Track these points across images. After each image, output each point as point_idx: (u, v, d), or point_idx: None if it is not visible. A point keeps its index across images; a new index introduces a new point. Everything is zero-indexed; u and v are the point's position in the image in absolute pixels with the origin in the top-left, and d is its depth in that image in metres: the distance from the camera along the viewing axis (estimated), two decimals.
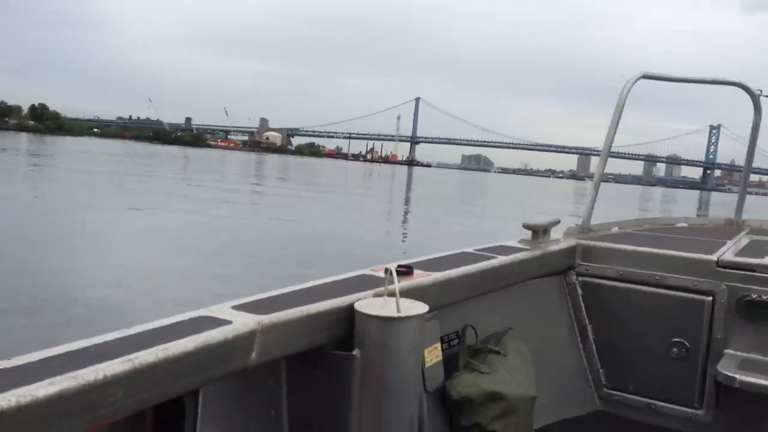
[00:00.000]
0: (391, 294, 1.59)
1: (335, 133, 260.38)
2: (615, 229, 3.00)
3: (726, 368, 2.17)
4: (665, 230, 3.11)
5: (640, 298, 2.46)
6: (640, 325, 2.46)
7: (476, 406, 1.89)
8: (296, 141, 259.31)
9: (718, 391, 2.31)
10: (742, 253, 2.47)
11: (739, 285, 2.28)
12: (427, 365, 1.83)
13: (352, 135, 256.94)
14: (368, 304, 1.59)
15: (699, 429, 2.37)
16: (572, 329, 2.58)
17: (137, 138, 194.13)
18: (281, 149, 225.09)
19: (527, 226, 2.56)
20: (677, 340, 2.38)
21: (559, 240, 2.62)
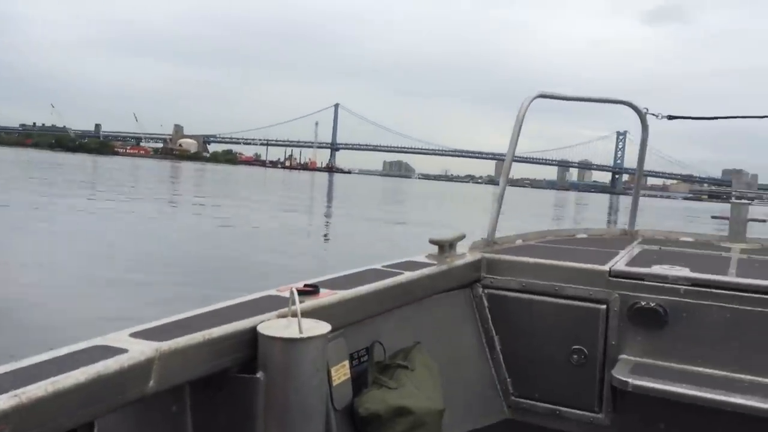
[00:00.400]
0: (295, 315, 1.61)
1: (253, 139, 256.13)
2: (519, 242, 3.14)
3: (620, 373, 2.32)
4: (566, 241, 3.28)
5: (542, 308, 2.58)
6: (543, 334, 2.58)
7: (384, 421, 1.93)
8: (214, 148, 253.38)
9: (615, 395, 2.46)
10: (632, 262, 2.64)
11: (630, 293, 2.45)
12: (334, 383, 1.86)
13: (269, 142, 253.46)
14: (271, 326, 1.60)
15: (598, 431, 2.51)
16: (480, 340, 2.68)
17: (37, 146, 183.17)
18: (195, 156, 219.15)
19: (433, 241, 2.64)
20: (577, 347, 2.52)
21: (464, 254, 2.71)
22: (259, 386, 1.55)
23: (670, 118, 3.34)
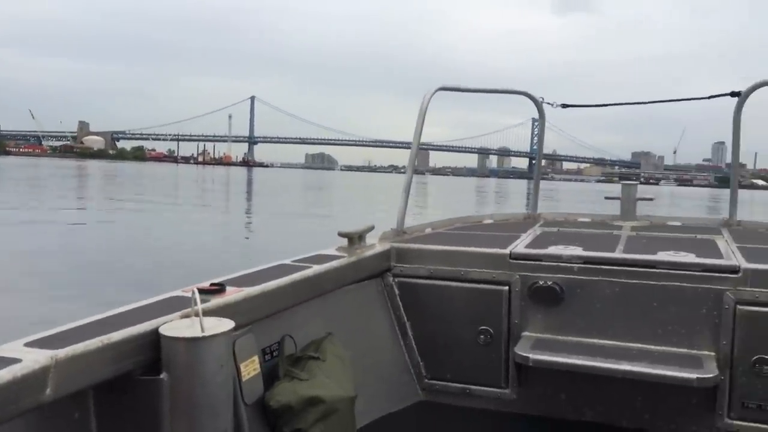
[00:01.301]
0: (198, 314, 1.64)
1: (163, 135, 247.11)
2: (428, 230, 3.27)
3: (522, 349, 2.48)
4: (473, 227, 3.44)
5: (450, 293, 2.71)
6: (452, 317, 2.71)
7: (296, 412, 1.99)
8: (125, 145, 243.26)
9: (519, 371, 2.62)
10: (532, 244, 2.82)
11: (529, 274, 2.61)
12: (244, 379, 1.90)
13: (181, 137, 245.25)
14: (173, 327, 1.63)
15: (506, 406, 2.67)
16: (393, 328, 2.78)
17: None
18: (100, 154, 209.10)
19: (342, 234, 2.71)
20: (483, 327, 2.67)
21: (374, 245, 2.80)
22: (164, 387, 1.58)
23: (564, 106, 3.56)
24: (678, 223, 3.48)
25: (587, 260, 2.55)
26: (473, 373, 2.71)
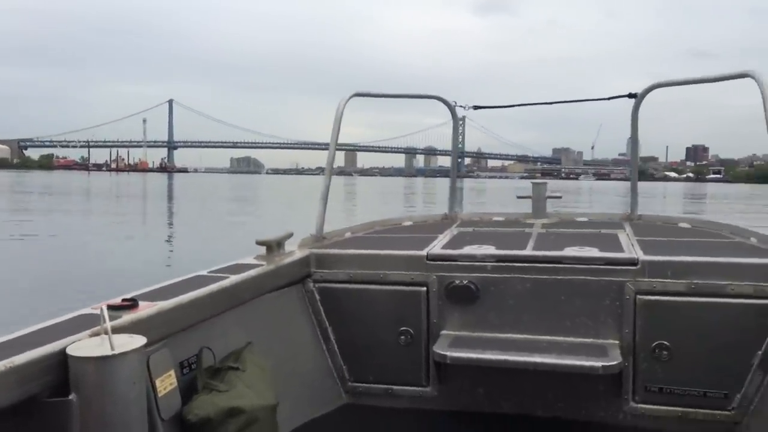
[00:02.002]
0: (107, 332, 1.62)
1: (74, 141, 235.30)
2: (348, 234, 3.31)
3: (440, 348, 2.56)
4: (392, 230, 3.51)
5: (371, 296, 2.77)
6: (373, 320, 2.77)
7: (215, 425, 1.99)
8: (33, 153, 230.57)
9: (438, 369, 2.71)
10: (448, 245, 2.91)
11: (446, 274, 2.70)
12: (160, 394, 1.88)
13: (93, 143, 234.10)
14: (81, 346, 1.60)
15: (427, 403, 2.75)
16: (315, 333, 2.81)
17: None
18: (1, 164, 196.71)
19: (260, 242, 2.72)
20: (404, 328, 2.74)
21: (293, 252, 2.82)
22: (72, 408, 1.55)
23: (476, 108, 3.70)
24: (584, 219, 3.68)
25: (500, 258, 2.67)
26: (395, 373, 2.78)
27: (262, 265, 2.56)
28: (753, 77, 2.64)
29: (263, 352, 2.33)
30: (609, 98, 3.49)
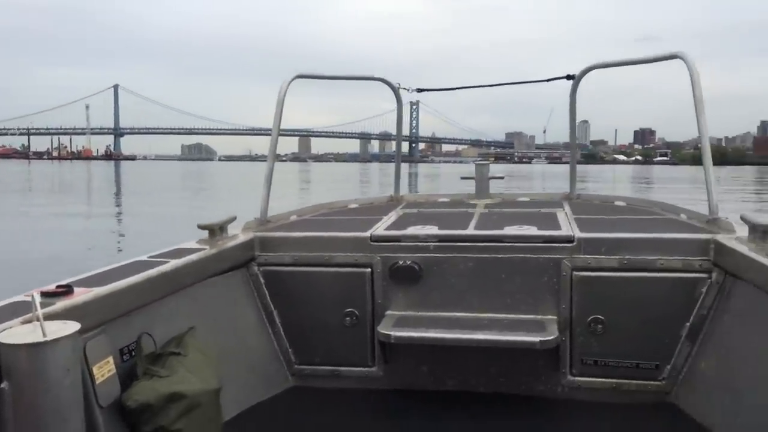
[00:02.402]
0: (39, 318, 1.59)
1: (12, 129, 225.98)
2: (293, 217, 3.31)
3: (385, 328, 2.60)
4: (338, 212, 3.53)
5: (316, 278, 2.79)
6: (318, 302, 2.79)
7: (156, 410, 1.98)
8: None
9: (384, 348, 2.75)
10: (392, 226, 2.95)
11: (390, 254, 2.74)
12: (98, 381, 1.86)
13: (34, 130, 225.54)
14: (13, 334, 1.58)
15: (373, 383, 2.80)
16: (260, 316, 2.81)
17: None
18: None
19: (202, 226, 2.70)
20: (349, 310, 2.77)
21: (237, 235, 2.81)
22: (5, 396, 1.52)
23: (419, 91, 3.75)
24: (526, 199, 3.77)
25: (442, 238, 2.72)
26: (341, 354, 2.81)
27: (204, 249, 2.55)
28: (682, 58, 2.75)
29: (207, 337, 2.32)
30: (548, 80, 3.57)
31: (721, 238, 2.46)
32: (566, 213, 3.17)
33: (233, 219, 2.85)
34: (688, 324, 2.49)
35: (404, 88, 3.69)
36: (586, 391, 2.63)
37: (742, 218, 2.49)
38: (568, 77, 3.47)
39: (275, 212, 3.21)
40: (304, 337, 2.83)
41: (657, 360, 2.55)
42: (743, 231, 2.47)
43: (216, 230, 2.73)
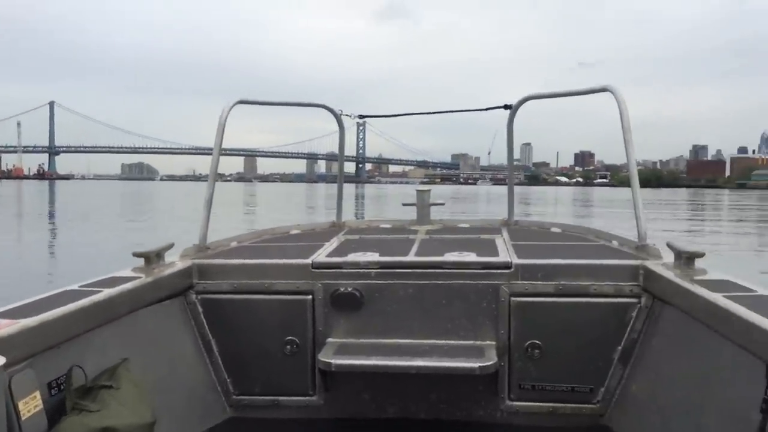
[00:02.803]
0: None
1: None
2: (234, 244, 3.28)
3: (325, 356, 2.60)
4: (279, 239, 3.52)
5: (255, 306, 2.76)
6: (258, 330, 2.76)
7: None
8: None
9: (324, 377, 2.74)
10: (333, 253, 2.96)
11: (331, 281, 2.75)
12: (24, 418, 1.79)
13: None
14: None
15: (314, 413, 2.78)
16: (197, 346, 2.76)
17: None
18: None
19: (138, 254, 2.65)
20: (290, 338, 2.75)
21: (174, 262, 2.77)
22: None
23: (361, 117, 3.80)
24: (466, 225, 3.85)
25: (383, 265, 2.74)
26: (281, 384, 2.78)
27: (140, 277, 2.50)
28: (611, 91, 2.89)
29: (141, 368, 2.26)
30: (486, 109, 3.68)
31: (650, 264, 2.57)
32: (504, 239, 3.25)
33: (171, 246, 2.80)
34: (620, 347, 2.59)
35: (346, 115, 3.73)
36: (523, 416, 2.69)
37: (668, 245, 2.61)
38: (506, 107, 3.58)
39: (217, 236, 3.17)
40: (243, 366, 2.79)
41: (591, 383, 2.63)
42: (670, 257, 2.60)
43: (152, 257, 2.68)
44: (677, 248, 2.53)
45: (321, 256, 2.87)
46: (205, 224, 2.99)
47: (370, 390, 2.77)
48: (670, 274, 2.40)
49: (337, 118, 3.73)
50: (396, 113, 4.02)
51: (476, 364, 2.49)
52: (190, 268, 2.76)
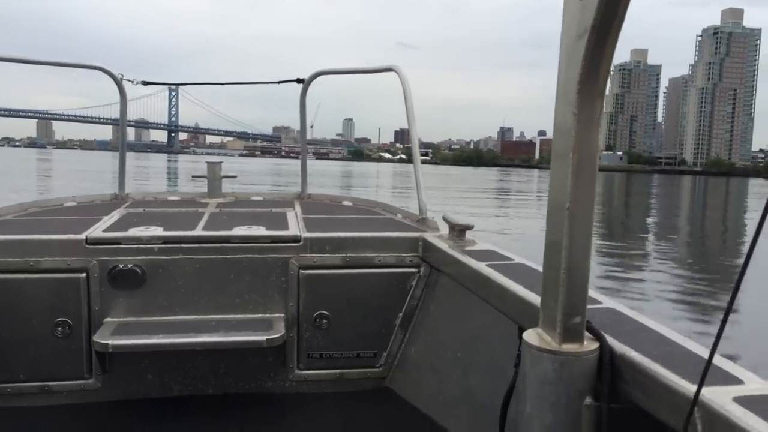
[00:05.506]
0: None
1: None
2: None
3: (101, 337, 2.48)
4: (49, 212, 3.26)
5: (18, 287, 2.54)
6: (24, 313, 2.55)
7: None
8: None
9: (102, 359, 2.62)
10: (112, 227, 2.82)
11: (109, 258, 2.62)
12: None
13: None
14: None
15: (91, 397, 2.65)
16: None
17: None
18: None
19: None
20: (61, 319, 2.58)
21: None
22: None
23: (145, 83, 3.64)
24: (259, 198, 3.87)
25: (167, 240, 2.67)
26: (51, 368, 2.61)
27: None
28: (396, 71, 3.06)
29: None
30: (279, 82, 3.71)
31: (427, 236, 2.80)
32: (296, 213, 3.32)
33: None
34: (401, 314, 2.79)
35: (128, 80, 3.54)
36: (312, 384, 2.81)
37: (444, 218, 2.86)
38: (298, 81, 3.65)
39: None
40: (6, 352, 2.57)
41: (375, 349, 2.81)
42: (446, 229, 2.84)
43: None
44: (451, 221, 2.78)
45: (98, 230, 2.72)
46: None
47: (154, 369, 2.71)
48: (444, 245, 2.64)
49: (118, 83, 3.52)
50: (182, 82, 3.90)
51: (263, 337, 2.54)
52: None
